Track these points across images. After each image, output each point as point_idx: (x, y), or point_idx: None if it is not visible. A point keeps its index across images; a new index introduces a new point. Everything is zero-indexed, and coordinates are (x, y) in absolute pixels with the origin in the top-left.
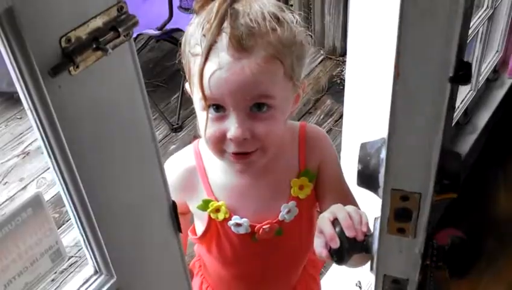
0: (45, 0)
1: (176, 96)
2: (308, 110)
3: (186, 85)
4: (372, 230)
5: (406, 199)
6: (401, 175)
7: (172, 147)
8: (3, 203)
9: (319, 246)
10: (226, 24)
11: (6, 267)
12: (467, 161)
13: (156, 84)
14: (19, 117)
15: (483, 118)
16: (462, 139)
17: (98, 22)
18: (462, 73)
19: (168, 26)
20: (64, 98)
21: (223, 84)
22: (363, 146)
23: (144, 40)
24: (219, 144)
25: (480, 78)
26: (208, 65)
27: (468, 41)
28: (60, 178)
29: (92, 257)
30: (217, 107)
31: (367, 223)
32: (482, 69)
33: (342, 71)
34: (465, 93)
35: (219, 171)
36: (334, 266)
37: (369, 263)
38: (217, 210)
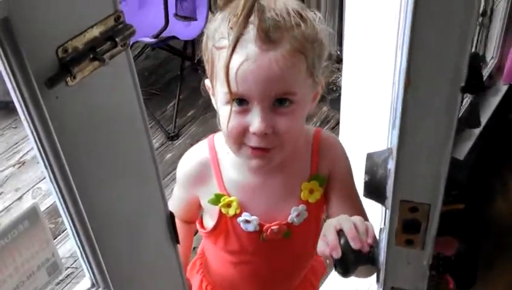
0: (42, 11)
1: (172, 104)
2: None
3: (206, 81)
4: (377, 241)
5: (415, 210)
6: (410, 186)
7: (169, 155)
8: None
9: (322, 247)
10: (252, 18)
11: (3, 281)
12: (464, 168)
13: (152, 92)
14: (14, 126)
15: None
16: (459, 145)
17: (95, 32)
18: (475, 83)
19: (164, 34)
20: (61, 108)
21: (250, 76)
22: (370, 156)
23: (140, 48)
24: (240, 137)
25: None
26: (235, 57)
27: None
28: (57, 188)
29: (89, 269)
30: (240, 101)
31: (373, 235)
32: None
33: (338, 78)
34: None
35: (233, 167)
36: (333, 273)
37: (374, 275)
38: (228, 205)
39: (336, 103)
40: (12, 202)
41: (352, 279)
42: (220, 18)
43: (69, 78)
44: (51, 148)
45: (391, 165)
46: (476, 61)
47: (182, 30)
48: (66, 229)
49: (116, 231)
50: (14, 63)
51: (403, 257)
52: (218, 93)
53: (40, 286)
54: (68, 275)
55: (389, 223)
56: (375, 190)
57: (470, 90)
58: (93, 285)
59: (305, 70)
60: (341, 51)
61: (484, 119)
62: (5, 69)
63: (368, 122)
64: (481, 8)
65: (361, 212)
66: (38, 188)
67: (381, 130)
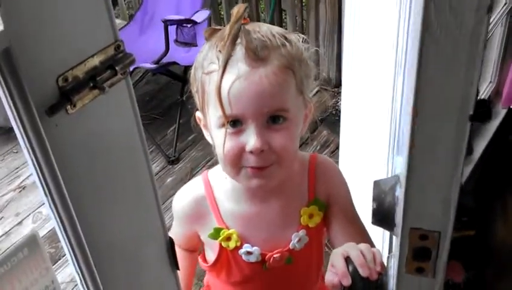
0: (43, 41)
1: (172, 128)
2: (304, 141)
3: (197, 113)
4: (386, 268)
5: (425, 238)
6: (420, 214)
7: (170, 179)
8: None
9: (330, 276)
10: (239, 40)
11: None
12: (468, 193)
13: (153, 117)
14: (15, 151)
15: (478, 148)
16: None
17: (95, 61)
18: (482, 110)
19: (165, 60)
20: (61, 136)
21: (242, 94)
22: (377, 184)
23: (141, 74)
24: (237, 159)
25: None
26: (226, 77)
27: None
28: (56, 215)
29: None
30: (234, 123)
31: (381, 262)
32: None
33: (338, 102)
34: None
35: (229, 199)
36: None
37: None
38: (228, 238)
39: (335, 127)
40: (13, 227)
41: None
42: (207, 47)
43: (69, 107)
44: (50, 176)
45: (399, 192)
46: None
47: (182, 56)
48: (65, 255)
49: (115, 257)
50: (14, 91)
51: (414, 285)
52: (211, 118)
53: None
54: None
55: (399, 250)
56: (383, 218)
57: (478, 119)
58: None
59: (295, 87)
60: (340, 75)
61: (484, 143)
62: (6, 97)
63: (367, 145)
64: None
65: (364, 235)
66: (38, 213)
67: (381, 154)
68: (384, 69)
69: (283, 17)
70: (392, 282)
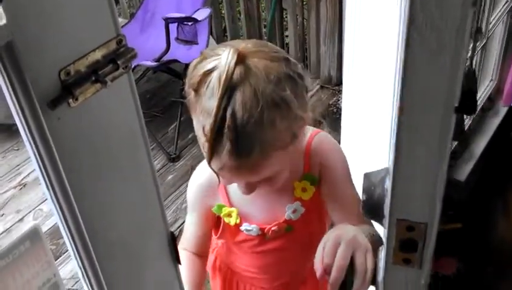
0: (45, 34)
1: (173, 126)
2: None
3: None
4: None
5: (412, 229)
6: (407, 205)
7: (170, 176)
8: (0, 235)
9: (318, 262)
10: (225, 129)
11: None
12: (464, 189)
13: (153, 115)
14: (16, 149)
15: (479, 146)
16: (459, 167)
17: (97, 55)
18: (468, 103)
19: (165, 58)
20: (63, 129)
21: (230, 179)
22: (367, 176)
23: (142, 71)
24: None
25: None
26: (213, 162)
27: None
28: (58, 209)
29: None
30: None
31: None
32: (477, 98)
33: (338, 100)
34: None
35: None
36: None
37: None
38: (229, 215)
39: (336, 124)
40: (13, 224)
41: None
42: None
43: (71, 100)
44: (52, 169)
45: (388, 184)
46: (471, 82)
47: (183, 54)
48: (66, 251)
49: (117, 251)
50: (17, 85)
51: (400, 276)
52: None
53: None
54: None
55: (387, 242)
56: (373, 209)
57: (464, 111)
58: None
59: (281, 152)
60: (341, 73)
61: (485, 140)
62: (8, 91)
63: (368, 143)
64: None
65: (354, 212)
66: (39, 210)
67: (381, 151)
68: (385, 67)
69: (284, 16)
70: (381, 273)
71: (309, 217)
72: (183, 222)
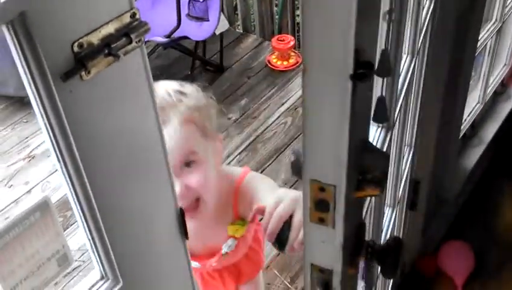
0: (58, 6)
1: None
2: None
3: None
4: None
5: (323, 190)
6: (317, 167)
7: None
8: (8, 205)
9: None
10: None
11: (12, 271)
12: (473, 174)
13: None
14: (25, 121)
15: (490, 131)
16: (469, 152)
17: (110, 28)
18: (362, 72)
19: (176, 34)
20: (75, 102)
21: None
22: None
23: (152, 47)
24: None
25: (488, 90)
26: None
27: (476, 54)
28: (69, 181)
29: (99, 261)
30: None
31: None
32: (490, 82)
33: None
34: (472, 106)
35: None
36: None
37: None
38: None
39: None
40: (22, 195)
41: None
42: None
43: (83, 73)
44: (64, 142)
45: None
46: (383, 56)
47: (193, 30)
48: (74, 223)
49: (126, 224)
50: (29, 56)
51: (317, 235)
52: None
53: (49, 277)
54: (75, 268)
55: (303, 200)
56: (298, 170)
57: (359, 78)
58: (102, 277)
59: (199, 134)
60: None
61: (496, 125)
62: (21, 62)
63: None
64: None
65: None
66: (47, 182)
67: None
68: None
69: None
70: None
71: (244, 240)
72: None
